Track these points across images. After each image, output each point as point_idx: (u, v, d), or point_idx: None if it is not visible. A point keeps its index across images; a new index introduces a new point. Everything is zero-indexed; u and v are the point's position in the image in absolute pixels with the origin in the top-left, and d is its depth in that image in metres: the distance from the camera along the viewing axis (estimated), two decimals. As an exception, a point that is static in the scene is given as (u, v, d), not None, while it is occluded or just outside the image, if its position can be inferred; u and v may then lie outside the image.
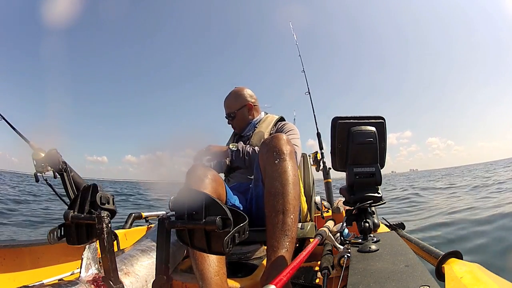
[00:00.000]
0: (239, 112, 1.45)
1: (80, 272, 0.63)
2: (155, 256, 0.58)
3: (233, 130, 1.54)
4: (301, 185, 1.40)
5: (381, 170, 0.84)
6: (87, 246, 0.65)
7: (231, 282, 0.83)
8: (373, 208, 0.88)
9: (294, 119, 2.22)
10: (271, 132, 1.38)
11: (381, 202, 0.84)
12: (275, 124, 1.42)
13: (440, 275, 0.67)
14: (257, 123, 1.45)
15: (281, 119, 1.47)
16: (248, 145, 1.30)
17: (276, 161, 0.88)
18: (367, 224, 0.83)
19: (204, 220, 0.47)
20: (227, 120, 1.50)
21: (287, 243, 0.77)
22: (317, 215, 1.61)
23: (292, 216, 0.81)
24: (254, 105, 1.47)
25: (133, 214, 1.75)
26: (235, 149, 1.25)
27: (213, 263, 0.77)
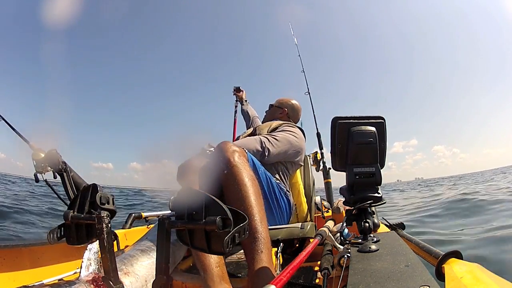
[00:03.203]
0: (274, 108, 1.71)
1: (80, 272, 0.63)
2: (155, 256, 0.58)
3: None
4: (301, 186, 1.40)
5: (381, 170, 0.84)
6: (88, 248, 0.64)
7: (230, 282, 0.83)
8: (373, 208, 0.88)
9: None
10: (268, 130, 1.39)
11: (381, 202, 0.84)
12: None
13: (440, 275, 0.67)
14: None
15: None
16: None
17: (225, 171, 0.88)
18: (367, 224, 0.83)
19: (204, 220, 0.47)
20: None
21: (261, 245, 0.77)
22: (317, 215, 1.61)
23: (257, 218, 0.80)
24: (288, 115, 1.66)
25: (133, 214, 1.75)
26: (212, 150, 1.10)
27: (214, 255, 0.78)
